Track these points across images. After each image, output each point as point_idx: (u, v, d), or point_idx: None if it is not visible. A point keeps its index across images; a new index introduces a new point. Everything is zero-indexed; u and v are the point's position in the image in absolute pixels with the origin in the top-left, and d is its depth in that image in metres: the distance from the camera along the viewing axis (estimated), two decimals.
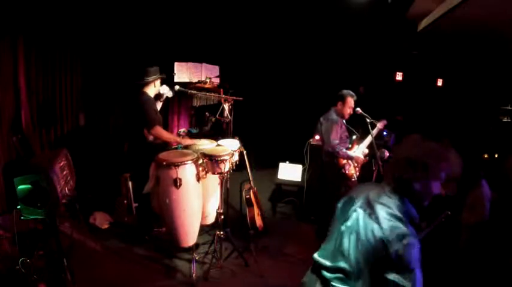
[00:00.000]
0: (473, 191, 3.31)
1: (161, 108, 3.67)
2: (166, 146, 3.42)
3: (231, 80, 4.89)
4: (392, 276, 1.25)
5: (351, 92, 3.59)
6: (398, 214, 1.32)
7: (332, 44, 5.74)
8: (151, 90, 3.42)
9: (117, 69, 4.47)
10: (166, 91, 3.56)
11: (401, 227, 1.28)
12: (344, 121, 3.65)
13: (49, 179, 2.31)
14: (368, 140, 3.63)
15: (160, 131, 3.29)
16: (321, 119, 3.67)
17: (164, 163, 2.88)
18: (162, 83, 3.53)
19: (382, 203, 1.36)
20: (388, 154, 3.34)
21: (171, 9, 4.69)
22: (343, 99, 3.57)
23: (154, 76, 3.37)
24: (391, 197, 1.38)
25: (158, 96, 3.57)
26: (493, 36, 5.03)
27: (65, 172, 2.61)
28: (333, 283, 1.42)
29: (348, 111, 3.57)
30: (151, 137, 3.38)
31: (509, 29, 4.46)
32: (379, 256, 1.28)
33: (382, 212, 1.33)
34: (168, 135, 3.46)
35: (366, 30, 5.49)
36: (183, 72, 4.57)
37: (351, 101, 3.56)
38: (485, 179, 3.25)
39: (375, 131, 3.60)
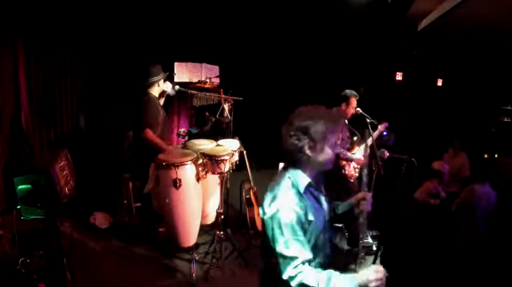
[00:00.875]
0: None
1: (162, 105, 3.62)
2: None
3: (231, 80, 4.88)
4: (274, 245, 1.34)
5: (354, 92, 3.57)
6: (284, 187, 1.39)
7: (332, 44, 5.74)
8: (156, 90, 3.38)
9: (117, 69, 4.47)
10: (169, 89, 3.49)
11: (276, 200, 1.36)
12: (346, 121, 3.64)
13: (49, 179, 2.31)
14: (369, 142, 3.62)
15: (148, 134, 3.16)
16: None
17: (164, 164, 2.87)
18: (165, 80, 3.46)
19: (274, 181, 1.46)
20: (388, 154, 3.33)
21: (171, 9, 4.69)
22: (346, 100, 3.55)
23: (158, 76, 3.31)
24: (288, 172, 1.44)
25: (161, 93, 3.51)
26: (493, 36, 5.03)
27: (65, 172, 2.60)
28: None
29: (351, 111, 3.55)
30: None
31: (509, 28, 4.46)
32: (267, 230, 1.38)
33: (270, 188, 1.44)
34: (156, 141, 3.26)
35: (366, 30, 5.49)
36: (183, 72, 4.56)
37: (354, 101, 3.54)
38: (490, 181, 3.28)
39: (375, 133, 3.58)
